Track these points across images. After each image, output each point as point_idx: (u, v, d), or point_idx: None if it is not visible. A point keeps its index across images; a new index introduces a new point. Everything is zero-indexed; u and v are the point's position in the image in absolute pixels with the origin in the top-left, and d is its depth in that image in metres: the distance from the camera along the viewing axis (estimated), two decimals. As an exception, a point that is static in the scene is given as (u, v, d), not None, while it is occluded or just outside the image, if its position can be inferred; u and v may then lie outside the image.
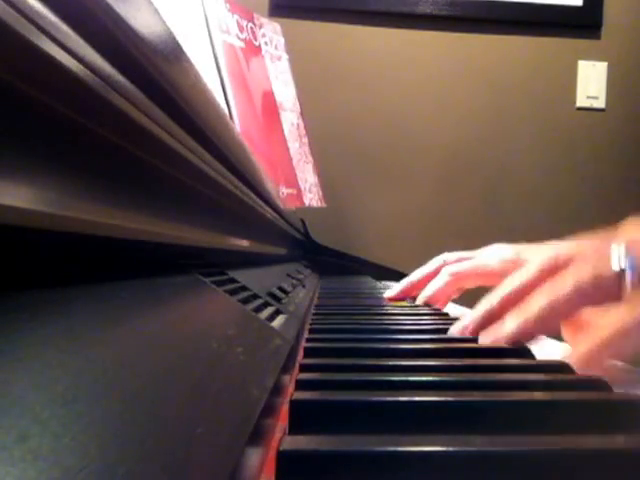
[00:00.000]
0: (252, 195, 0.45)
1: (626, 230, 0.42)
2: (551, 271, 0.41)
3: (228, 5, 1.07)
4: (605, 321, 0.36)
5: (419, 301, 0.67)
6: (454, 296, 0.71)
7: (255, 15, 1.21)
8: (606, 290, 0.37)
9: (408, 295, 0.72)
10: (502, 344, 0.38)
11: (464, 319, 0.44)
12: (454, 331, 0.43)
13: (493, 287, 0.67)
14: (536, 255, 0.46)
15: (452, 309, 0.68)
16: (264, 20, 1.26)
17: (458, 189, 1.67)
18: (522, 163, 1.70)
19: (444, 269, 0.67)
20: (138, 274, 0.22)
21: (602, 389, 0.26)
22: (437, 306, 0.67)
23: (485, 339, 0.39)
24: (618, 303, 0.36)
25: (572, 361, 0.32)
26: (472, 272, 0.65)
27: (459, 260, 0.69)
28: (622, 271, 0.37)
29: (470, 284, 0.67)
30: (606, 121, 1.71)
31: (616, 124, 1.71)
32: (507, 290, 0.43)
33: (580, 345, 0.35)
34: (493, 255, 0.66)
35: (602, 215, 1.82)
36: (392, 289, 0.74)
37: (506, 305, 0.42)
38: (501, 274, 0.64)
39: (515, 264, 0.62)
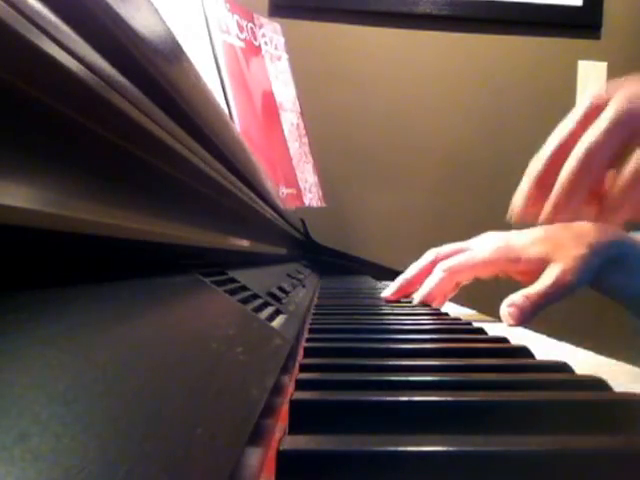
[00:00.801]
0: (252, 195, 0.45)
1: None
2: (598, 109, 0.40)
3: (228, 5, 1.07)
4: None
5: (416, 300, 0.67)
6: (451, 294, 0.70)
7: (255, 15, 1.21)
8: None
9: (405, 293, 0.72)
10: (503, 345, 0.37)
11: (518, 196, 0.44)
12: (514, 209, 0.43)
13: (488, 279, 0.67)
14: (528, 234, 0.45)
15: (452, 309, 0.68)
16: (264, 20, 1.26)
17: (458, 189, 1.67)
18: (522, 163, 1.69)
19: (438, 265, 0.67)
20: (138, 274, 0.22)
21: (602, 389, 0.26)
22: (436, 305, 0.67)
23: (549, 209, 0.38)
24: None
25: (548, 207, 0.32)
26: (465, 265, 0.65)
27: (451, 253, 0.69)
28: None
29: (465, 277, 0.67)
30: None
31: (616, 124, 1.70)
32: (552, 146, 0.43)
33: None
34: (484, 244, 0.66)
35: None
36: (388, 288, 0.74)
37: (561, 152, 0.40)
38: (495, 262, 0.64)
39: (507, 251, 0.63)
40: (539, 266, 0.60)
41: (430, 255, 0.71)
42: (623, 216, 0.39)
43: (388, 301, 0.71)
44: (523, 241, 0.62)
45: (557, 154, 0.42)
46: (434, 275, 0.66)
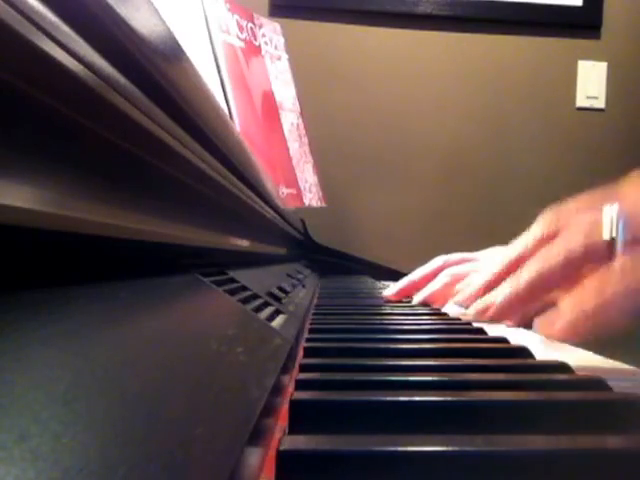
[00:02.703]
0: (252, 195, 0.45)
1: (623, 190, 0.40)
2: (548, 238, 0.40)
3: (228, 5, 1.07)
4: (591, 289, 0.35)
5: (416, 300, 0.67)
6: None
7: (255, 15, 1.21)
8: (596, 257, 0.36)
9: (407, 294, 0.72)
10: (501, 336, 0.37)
11: (464, 291, 0.43)
12: (450, 306, 0.43)
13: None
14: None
15: (452, 309, 0.68)
16: (264, 20, 1.26)
17: (458, 189, 1.67)
18: (522, 163, 1.69)
19: (445, 271, 0.67)
20: (138, 274, 0.22)
21: (602, 389, 0.26)
22: (436, 306, 0.67)
23: (474, 311, 0.39)
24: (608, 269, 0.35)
25: (555, 331, 0.32)
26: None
27: (460, 262, 0.69)
28: (613, 239, 0.36)
29: None
30: (606, 121, 1.71)
31: (616, 124, 1.71)
32: (504, 261, 0.42)
33: (565, 314, 0.34)
34: (494, 258, 0.66)
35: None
36: (391, 287, 0.74)
37: (503, 276, 0.41)
38: (502, 278, 0.63)
39: (516, 266, 0.62)
40: None
41: (438, 261, 0.71)
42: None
43: (389, 301, 0.71)
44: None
45: (508, 268, 0.41)
46: (439, 279, 0.66)
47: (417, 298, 0.67)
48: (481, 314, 0.38)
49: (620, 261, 0.35)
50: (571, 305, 0.35)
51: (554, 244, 0.38)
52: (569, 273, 0.37)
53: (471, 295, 0.42)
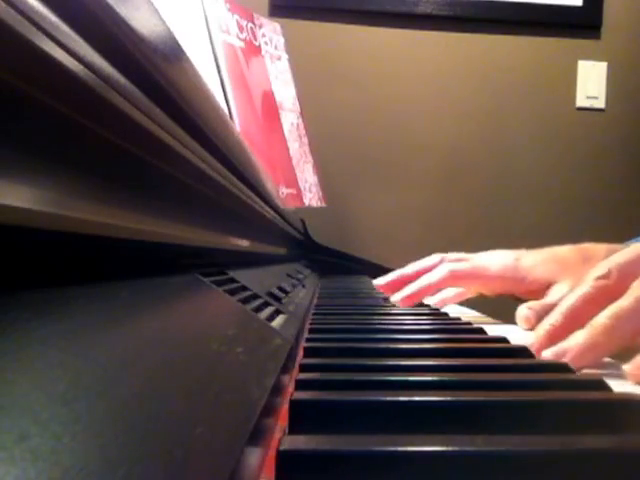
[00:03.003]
0: (252, 195, 0.45)
1: None
2: (607, 290, 0.40)
3: (228, 5, 1.07)
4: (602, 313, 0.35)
5: (409, 289, 0.66)
6: (453, 301, 0.70)
7: (255, 15, 1.21)
8: None
9: (398, 288, 0.70)
10: (541, 360, 0.37)
11: (531, 339, 0.43)
12: (450, 306, 0.42)
13: (490, 293, 0.67)
14: (590, 271, 0.44)
15: (452, 309, 0.68)
16: (264, 20, 1.26)
17: (458, 189, 1.67)
18: (522, 163, 1.70)
19: (443, 265, 0.66)
20: (138, 274, 0.22)
21: (602, 389, 0.26)
22: (436, 306, 0.67)
23: (549, 354, 0.38)
24: None
25: (572, 354, 0.32)
26: (470, 273, 0.64)
27: (457, 259, 0.68)
28: None
29: (467, 285, 0.66)
30: (606, 121, 1.71)
31: (616, 124, 1.71)
32: (568, 306, 0.42)
33: (578, 336, 0.35)
34: (493, 259, 0.65)
35: (602, 215, 1.82)
36: (382, 277, 0.73)
37: (569, 323, 0.41)
38: (501, 279, 0.63)
39: (515, 269, 0.62)
40: (543, 287, 0.60)
41: (435, 258, 0.71)
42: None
43: (381, 289, 0.70)
44: (531, 261, 0.62)
45: (568, 320, 0.41)
46: (437, 272, 0.65)
47: (411, 288, 0.66)
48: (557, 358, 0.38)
49: None
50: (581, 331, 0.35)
51: (627, 295, 0.38)
52: None
53: (540, 337, 0.41)
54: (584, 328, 0.38)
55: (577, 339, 0.37)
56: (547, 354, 0.37)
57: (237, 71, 1.03)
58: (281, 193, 1.05)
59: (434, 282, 0.64)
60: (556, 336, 0.40)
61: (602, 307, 0.38)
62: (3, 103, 0.12)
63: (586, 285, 0.42)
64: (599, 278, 0.41)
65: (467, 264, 0.66)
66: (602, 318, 0.37)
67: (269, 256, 0.72)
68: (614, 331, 0.37)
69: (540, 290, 0.60)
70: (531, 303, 0.56)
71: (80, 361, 0.13)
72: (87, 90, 0.15)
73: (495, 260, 0.65)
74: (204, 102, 0.28)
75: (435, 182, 1.67)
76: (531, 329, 0.55)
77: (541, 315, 0.50)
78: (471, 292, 0.69)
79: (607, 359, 0.39)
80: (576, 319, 0.40)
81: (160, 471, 0.11)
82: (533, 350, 0.38)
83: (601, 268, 0.42)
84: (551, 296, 0.58)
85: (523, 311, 0.55)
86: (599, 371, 0.35)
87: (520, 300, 0.62)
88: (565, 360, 0.35)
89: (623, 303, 0.37)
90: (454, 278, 0.65)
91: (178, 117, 0.23)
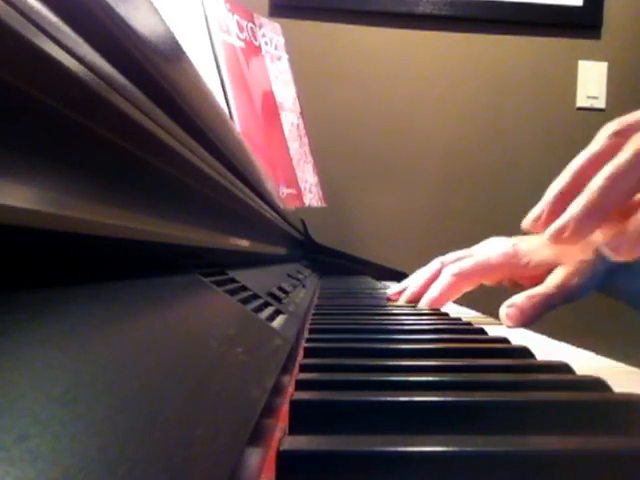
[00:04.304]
0: (252, 195, 0.45)
1: None
2: (618, 144, 0.38)
3: (228, 5, 1.07)
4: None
5: (422, 304, 0.66)
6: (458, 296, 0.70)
7: (255, 15, 1.21)
8: None
9: (410, 302, 0.70)
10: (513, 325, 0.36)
11: (536, 207, 0.41)
12: (528, 219, 0.41)
13: (494, 285, 0.67)
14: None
15: (452, 309, 0.68)
16: (264, 20, 1.26)
17: (458, 189, 1.67)
18: (522, 163, 1.70)
19: (445, 270, 0.66)
20: (138, 274, 0.22)
21: (602, 389, 0.26)
22: (436, 306, 0.66)
23: (549, 236, 0.36)
24: None
25: (571, 229, 0.31)
26: (474, 269, 0.64)
27: (457, 260, 0.68)
28: None
29: (473, 283, 0.66)
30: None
31: (616, 124, 1.70)
32: (577, 167, 0.40)
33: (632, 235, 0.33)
34: (491, 249, 0.65)
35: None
36: (392, 288, 0.73)
37: (575, 183, 0.39)
38: (503, 267, 0.63)
39: (515, 255, 0.62)
40: (545, 271, 0.59)
41: (435, 264, 0.70)
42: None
43: (390, 300, 0.71)
44: (529, 246, 0.62)
45: (576, 180, 0.39)
46: (442, 279, 0.65)
47: (423, 302, 0.66)
48: (557, 238, 0.36)
49: None
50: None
51: (623, 151, 0.36)
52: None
53: (548, 202, 0.39)
54: (581, 194, 0.36)
55: (572, 210, 0.36)
56: (546, 237, 0.36)
57: (237, 71, 1.03)
58: (281, 193, 1.05)
59: (444, 290, 0.64)
60: (564, 200, 0.39)
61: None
62: (3, 103, 0.12)
63: (596, 143, 0.40)
64: (610, 136, 0.39)
65: (468, 262, 0.65)
66: (599, 179, 0.36)
67: (269, 256, 0.72)
68: (611, 191, 0.35)
69: (542, 275, 0.60)
70: (510, 300, 0.56)
71: (80, 361, 0.13)
72: (87, 90, 0.15)
73: (494, 249, 0.65)
74: (204, 102, 0.28)
75: (435, 182, 1.67)
76: (516, 326, 0.55)
77: (524, 310, 0.50)
78: (475, 285, 0.68)
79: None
80: (583, 178, 0.38)
81: (160, 471, 0.11)
82: (544, 213, 0.36)
83: (613, 125, 0.40)
84: (550, 280, 0.58)
85: (503, 310, 0.56)
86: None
87: (520, 288, 0.62)
88: (566, 236, 0.34)
89: (620, 159, 0.36)
90: (460, 280, 0.64)
91: (178, 117, 0.23)
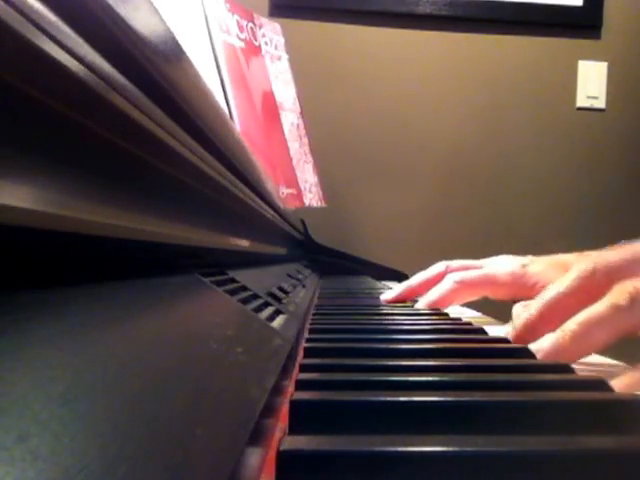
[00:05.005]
0: (252, 195, 0.45)
1: None
2: (590, 287, 0.39)
3: (228, 5, 1.07)
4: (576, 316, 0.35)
5: (420, 304, 0.65)
6: (457, 304, 0.69)
7: (255, 15, 1.21)
8: None
9: (405, 299, 0.70)
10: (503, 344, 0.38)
11: (508, 328, 0.43)
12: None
13: (497, 298, 0.66)
14: (574, 265, 0.43)
15: (452, 309, 0.68)
16: (264, 20, 1.26)
17: (458, 189, 1.67)
18: (522, 163, 1.70)
19: (449, 276, 0.65)
20: (138, 274, 0.22)
21: (602, 389, 0.26)
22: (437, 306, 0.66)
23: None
24: None
25: (540, 355, 0.32)
26: (478, 281, 0.63)
27: (463, 268, 0.67)
28: None
29: (476, 294, 0.65)
30: (606, 121, 1.71)
31: (616, 124, 1.71)
32: (547, 300, 0.41)
33: (549, 338, 0.35)
34: (500, 266, 0.64)
35: (602, 215, 1.82)
36: (389, 292, 0.72)
37: (546, 316, 0.40)
38: (509, 286, 0.63)
39: (523, 276, 0.62)
40: None
41: (440, 266, 0.70)
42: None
43: (387, 302, 0.70)
44: (539, 268, 0.61)
45: (547, 314, 0.41)
46: (445, 283, 0.64)
47: (422, 302, 0.65)
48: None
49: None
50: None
51: (602, 300, 0.37)
52: (617, 327, 0.36)
53: (517, 330, 0.42)
54: (554, 332, 0.37)
55: (543, 344, 0.37)
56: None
57: (237, 71, 1.03)
58: (281, 193, 1.05)
59: (444, 295, 0.63)
60: (533, 328, 0.40)
61: (582, 303, 0.38)
62: (3, 103, 0.12)
63: (568, 279, 0.41)
64: (583, 273, 0.41)
65: (474, 272, 0.64)
66: (572, 324, 0.37)
67: (269, 256, 0.72)
68: (583, 338, 0.36)
69: None
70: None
71: (80, 361, 0.13)
72: (87, 90, 0.15)
73: (502, 267, 0.64)
74: (204, 102, 0.28)
75: (435, 182, 1.67)
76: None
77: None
78: (477, 296, 0.68)
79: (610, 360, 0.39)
80: (554, 313, 0.40)
81: (160, 471, 0.11)
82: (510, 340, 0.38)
83: (587, 263, 0.41)
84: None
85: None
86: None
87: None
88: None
89: (597, 309, 0.36)
90: (463, 288, 0.64)
91: (178, 117, 0.23)
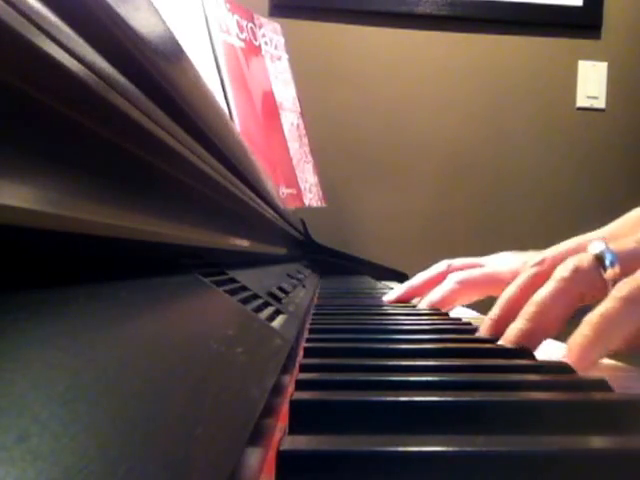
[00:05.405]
0: (252, 195, 0.45)
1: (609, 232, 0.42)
2: (542, 273, 0.42)
3: (228, 5, 1.07)
4: (589, 316, 0.36)
5: (422, 305, 0.65)
6: (461, 304, 0.69)
7: (255, 15, 1.21)
8: (589, 284, 0.38)
9: (408, 300, 0.70)
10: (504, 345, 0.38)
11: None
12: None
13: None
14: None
15: (453, 309, 0.68)
16: (264, 20, 1.26)
17: (458, 189, 1.67)
18: (522, 163, 1.70)
19: (450, 276, 0.65)
20: (138, 274, 0.22)
21: (602, 389, 0.26)
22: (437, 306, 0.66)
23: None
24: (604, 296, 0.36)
25: (568, 361, 0.32)
26: (482, 280, 0.63)
27: (465, 267, 0.67)
28: (600, 260, 0.38)
29: (478, 294, 0.65)
30: (606, 121, 1.71)
31: (616, 124, 1.71)
32: (506, 298, 0.44)
33: (569, 345, 0.35)
34: (502, 263, 0.64)
35: (602, 215, 1.82)
36: (391, 293, 0.72)
37: (507, 313, 0.42)
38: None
39: (513, 307, 0.61)
40: None
41: (442, 265, 0.69)
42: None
43: (389, 303, 0.70)
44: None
45: (507, 310, 0.43)
46: (447, 284, 0.64)
47: (424, 302, 0.65)
48: None
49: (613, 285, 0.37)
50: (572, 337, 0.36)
51: (549, 279, 0.40)
52: (568, 302, 0.39)
53: (483, 330, 0.44)
54: (515, 320, 0.39)
55: (508, 334, 0.39)
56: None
57: (237, 71, 1.03)
58: (281, 193, 1.05)
59: (446, 295, 0.63)
60: (498, 328, 0.42)
61: (535, 289, 0.40)
62: (3, 103, 0.12)
63: (522, 274, 0.44)
64: (533, 266, 0.44)
65: (477, 272, 0.64)
66: (529, 306, 0.39)
67: (269, 256, 0.72)
68: (541, 316, 0.38)
69: None
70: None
71: (80, 361, 0.13)
72: (87, 90, 0.15)
73: (505, 265, 0.63)
74: (204, 102, 0.28)
75: (435, 182, 1.67)
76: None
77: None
78: (480, 296, 0.68)
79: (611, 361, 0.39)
80: (514, 308, 0.42)
81: (160, 471, 0.11)
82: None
83: (537, 257, 0.45)
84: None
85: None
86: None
87: None
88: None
89: (544, 290, 0.39)
90: (465, 288, 0.63)
91: (178, 117, 0.23)
